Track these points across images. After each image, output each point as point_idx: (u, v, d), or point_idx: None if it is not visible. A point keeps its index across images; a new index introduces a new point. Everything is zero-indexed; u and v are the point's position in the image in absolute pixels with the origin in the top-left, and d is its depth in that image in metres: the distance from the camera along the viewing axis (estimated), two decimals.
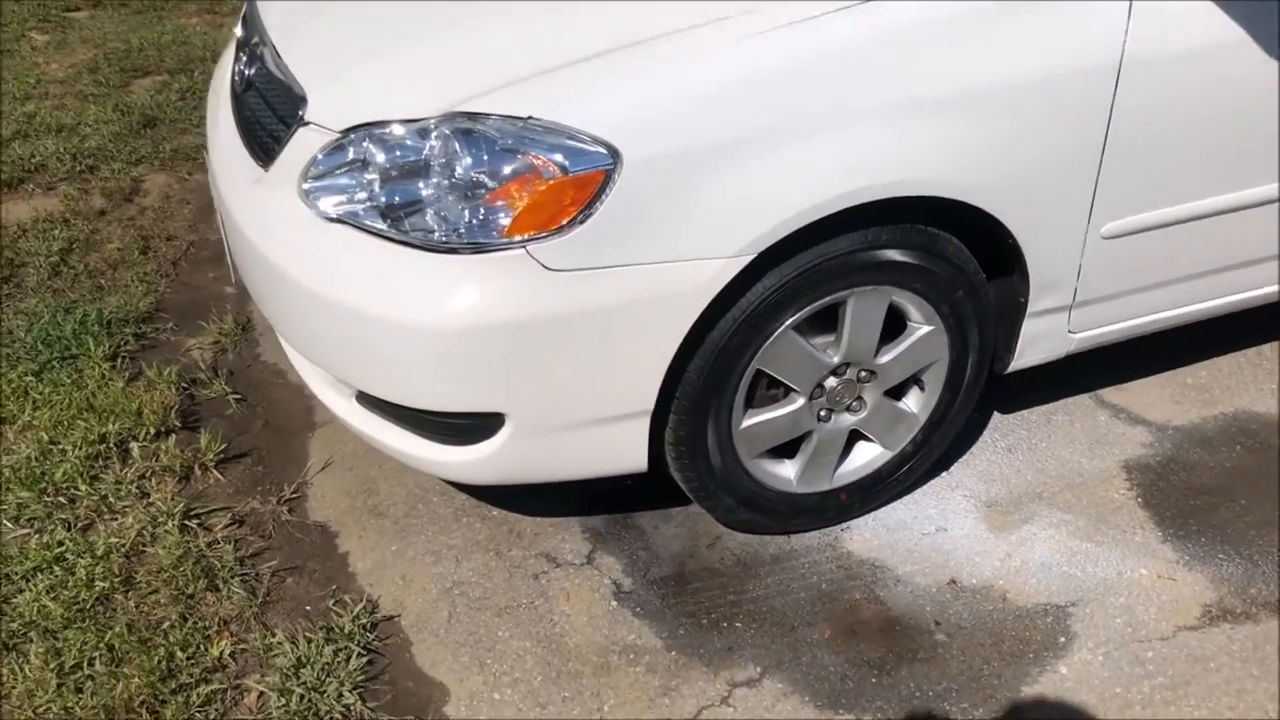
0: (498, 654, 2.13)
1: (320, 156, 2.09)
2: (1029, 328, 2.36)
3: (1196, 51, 2.14)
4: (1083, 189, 2.19)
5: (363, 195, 2.05)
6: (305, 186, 2.11)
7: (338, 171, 2.09)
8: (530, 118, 1.91)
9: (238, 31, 2.73)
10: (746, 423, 2.20)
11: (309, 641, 2.11)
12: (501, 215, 1.92)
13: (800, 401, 2.23)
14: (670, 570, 2.32)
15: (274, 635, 2.13)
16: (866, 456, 2.39)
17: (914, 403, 2.37)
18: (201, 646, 2.10)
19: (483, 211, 1.93)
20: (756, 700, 2.06)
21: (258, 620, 2.18)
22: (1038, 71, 2.05)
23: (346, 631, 2.14)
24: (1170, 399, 2.80)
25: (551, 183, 1.89)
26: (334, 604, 2.22)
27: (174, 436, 2.56)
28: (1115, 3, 2.07)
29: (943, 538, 2.41)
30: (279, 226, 2.15)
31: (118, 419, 2.58)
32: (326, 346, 2.13)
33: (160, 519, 2.35)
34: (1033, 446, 2.65)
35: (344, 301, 2.03)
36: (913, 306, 2.21)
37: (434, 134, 1.97)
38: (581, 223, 1.89)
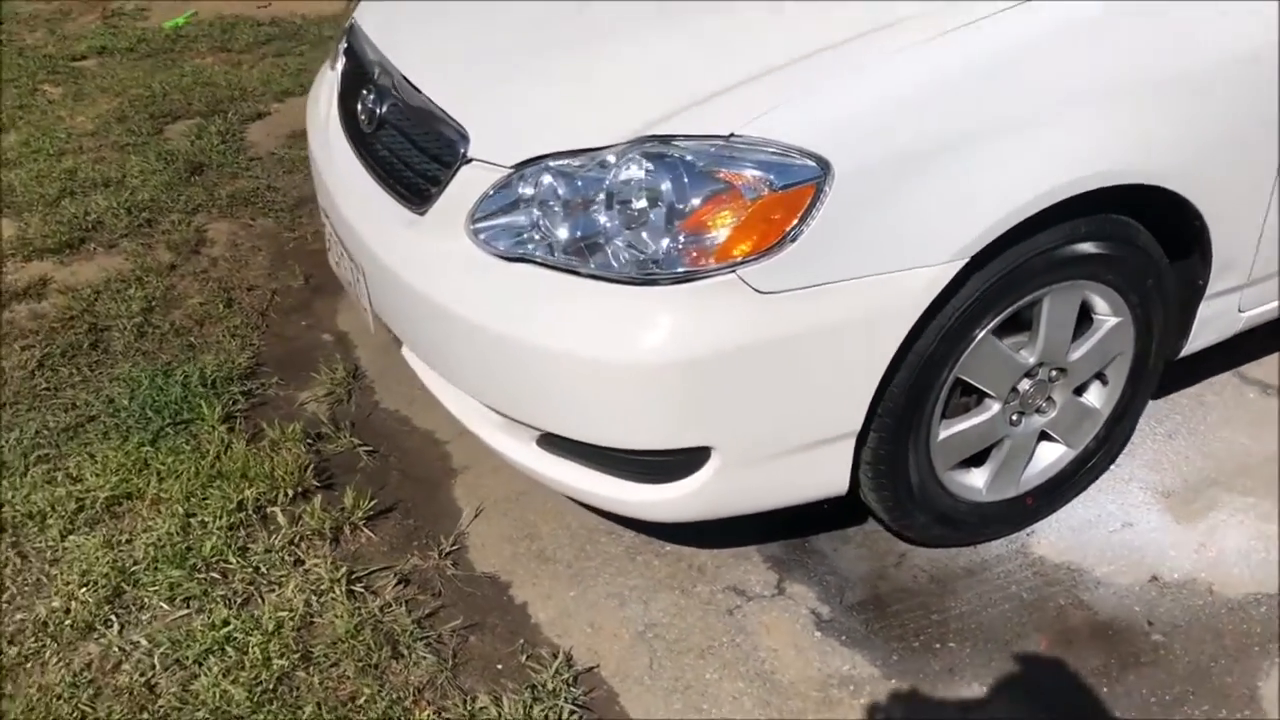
0: (712, 698, 2.04)
1: (491, 194, 1.99)
2: (1204, 310, 2.30)
3: None
4: (1265, 166, 2.13)
5: (543, 231, 1.94)
6: (475, 226, 2.01)
7: (511, 208, 1.98)
8: (732, 135, 1.81)
9: (336, 65, 2.62)
10: (943, 434, 2.12)
11: (515, 702, 2.00)
12: (707, 240, 1.82)
13: (996, 407, 2.15)
14: (865, 594, 2.24)
15: (475, 699, 2.02)
16: (1051, 457, 2.32)
17: (1096, 398, 2.30)
18: None
19: (683, 238, 1.83)
20: None
21: (453, 684, 2.06)
22: (1223, 53, 2.00)
23: (550, 689, 2.04)
24: None
25: (759, 201, 1.80)
26: (527, 659, 2.11)
27: (315, 497, 2.43)
28: None
29: (1131, 533, 2.34)
30: (448, 270, 2.04)
31: (252, 484, 2.45)
32: (510, 389, 2.02)
33: (323, 586, 2.23)
34: (1193, 430, 2.59)
35: (533, 341, 1.92)
36: (1102, 299, 2.14)
37: (623, 162, 1.87)
38: (793, 240, 1.80)
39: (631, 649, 2.13)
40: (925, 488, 2.15)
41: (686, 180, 1.83)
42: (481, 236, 2.01)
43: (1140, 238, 2.09)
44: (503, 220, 1.99)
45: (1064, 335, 2.13)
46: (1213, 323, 2.35)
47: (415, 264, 2.11)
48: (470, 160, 2.04)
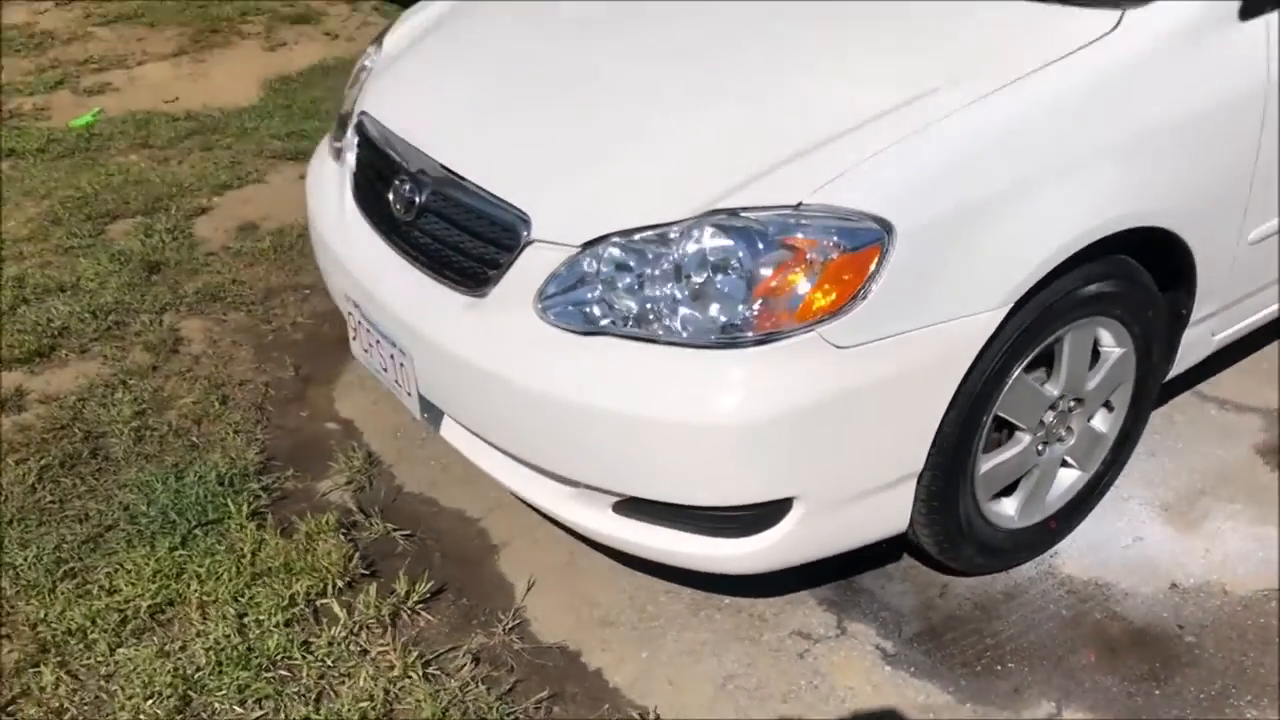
0: None
1: (560, 272, 2.07)
2: (1187, 336, 2.53)
3: None
4: (1239, 202, 2.38)
5: (617, 304, 2.03)
6: (544, 304, 2.08)
7: (580, 284, 2.06)
8: (800, 204, 1.95)
9: (346, 158, 2.65)
10: (984, 468, 2.28)
11: None
12: (786, 302, 1.94)
13: (1027, 439, 2.32)
14: (920, 626, 2.36)
15: None
16: (1069, 482, 2.49)
17: (1104, 424, 2.49)
18: None
19: (760, 302, 1.95)
20: None
21: None
22: (1210, 101, 2.23)
23: None
24: (1259, 385, 3.02)
25: (831, 264, 1.93)
26: None
27: (366, 585, 2.44)
28: (1260, 32, 2.27)
29: (1143, 546, 2.54)
30: (520, 347, 2.11)
31: (298, 578, 2.44)
32: (591, 458, 2.09)
33: (396, 673, 2.23)
34: (1171, 448, 2.82)
35: (618, 409, 2.00)
36: (1109, 332, 2.34)
37: (695, 234, 1.98)
38: (864, 298, 1.94)
39: (715, 701, 2.21)
40: (971, 520, 2.30)
41: (761, 248, 1.96)
42: (552, 313, 2.08)
43: (1140, 275, 2.30)
44: (572, 296, 2.07)
45: (1082, 368, 2.32)
46: (1194, 347, 2.58)
47: (479, 344, 2.16)
48: (533, 242, 2.11)
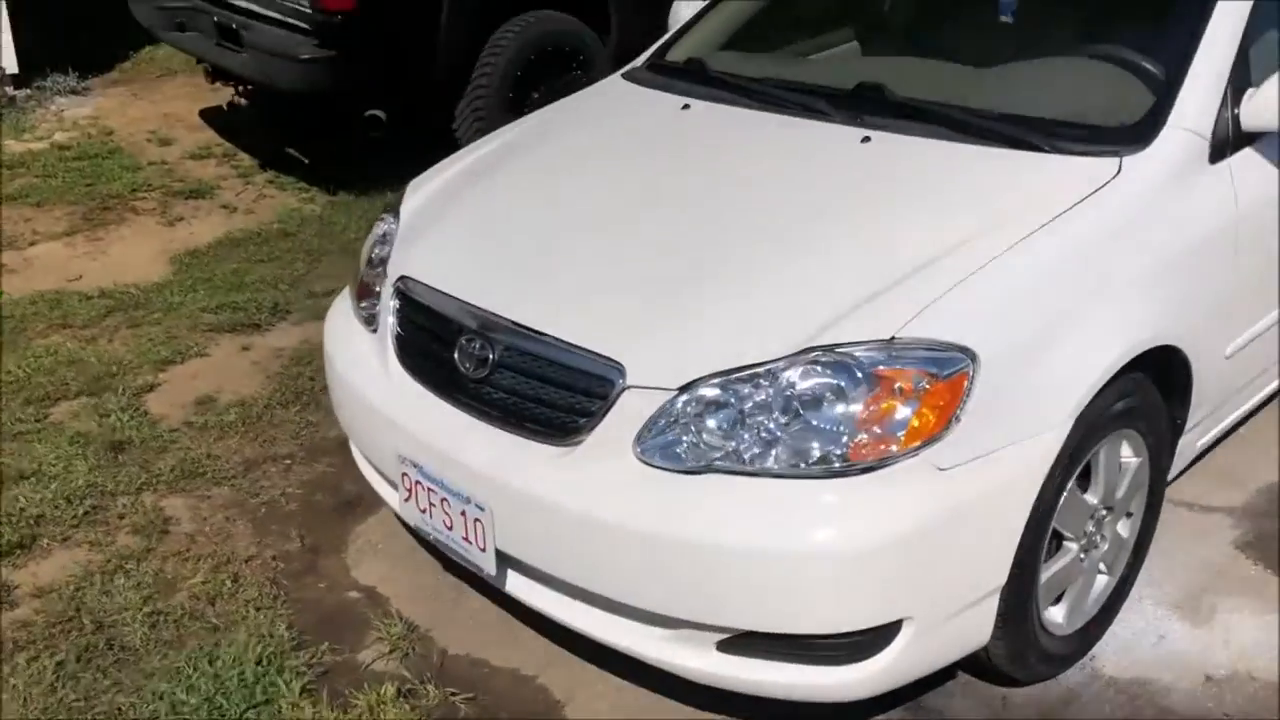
0: None
1: (662, 415, 2.14)
2: (1182, 443, 2.77)
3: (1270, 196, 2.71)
4: (1223, 319, 2.66)
5: (718, 442, 2.12)
6: (643, 447, 2.15)
7: (680, 426, 2.15)
8: (894, 338, 2.10)
9: (385, 323, 2.67)
10: (1044, 578, 2.42)
11: None
12: (889, 430, 2.07)
13: (1074, 548, 2.49)
14: None
15: None
16: (1099, 586, 2.67)
17: (1125, 529, 2.69)
18: None
19: (865, 432, 2.07)
20: None
21: None
22: (1198, 231, 2.53)
23: None
24: (1215, 486, 3.30)
25: (927, 392, 2.08)
26: None
27: None
28: (1225, 173, 2.60)
29: (1168, 643, 2.72)
30: (621, 492, 2.16)
31: None
32: (701, 595, 2.13)
33: None
34: (1164, 550, 3.03)
35: (731, 544, 2.08)
36: (1129, 444, 2.56)
37: (794, 371, 2.10)
38: (959, 420, 2.09)
39: None
40: (1034, 628, 2.43)
41: (861, 379, 2.09)
42: (653, 455, 2.15)
43: (1152, 391, 2.54)
44: (672, 437, 2.15)
45: (1115, 478, 2.52)
46: (1183, 453, 2.83)
47: (578, 491, 2.20)
48: (629, 388, 2.19)
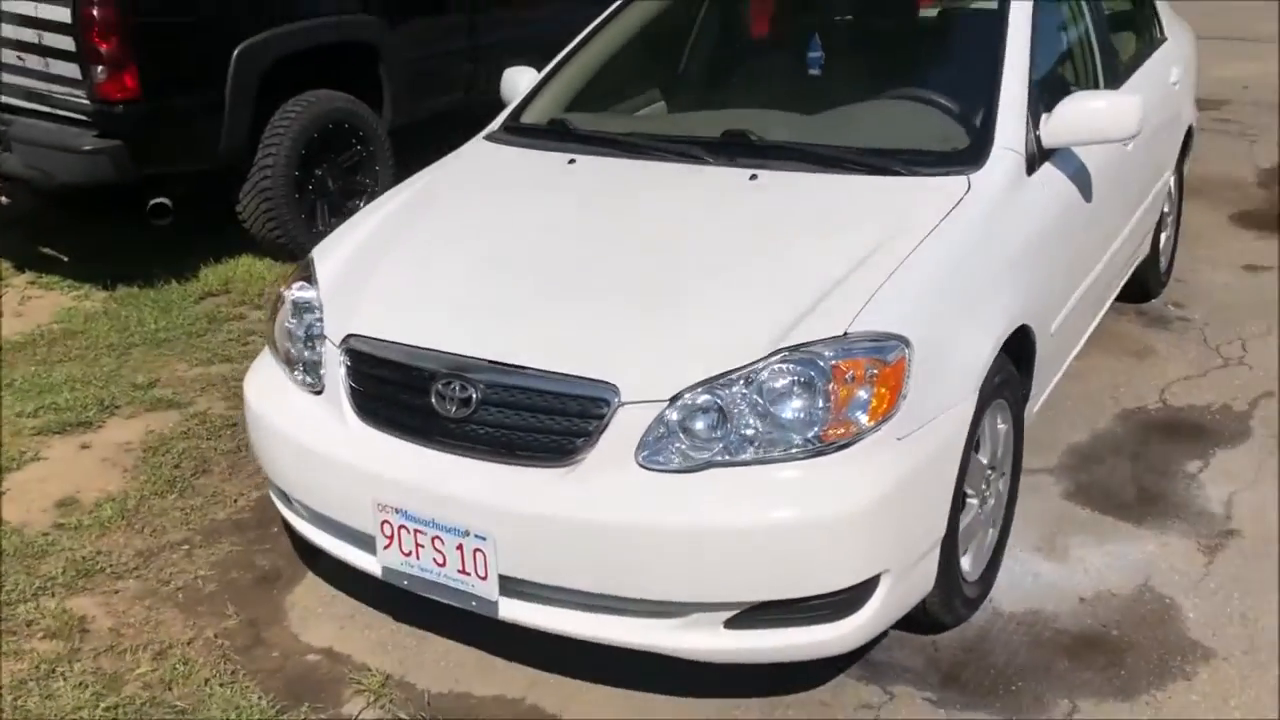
0: None
1: (658, 424, 2.40)
2: (1026, 411, 3.31)
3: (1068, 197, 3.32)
4: (1050, 303, 3.23)
5: (713, 440, 2.41)
6: (644, 455, 2.40)
7: (675, 432, 2.42)
8: (846, 333, 2.47)
9: (340, 381, 2.77)
10: (961, 531, 2.85)
11: None
12: (856, 412, 2.43)
13: (975, 504, 2.93)
14: (940, 674, 2.85)
15: None
16: (989, 538, 3.13)
17: (1002, 487, 3.17)
18: None
19: (834, 416, 2.42)
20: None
21: None
22: (1029, 229, 3.08)
23: None
24: (1030, 453, 3.88)
25: (879, 374, 2.46)
26: None
27: None
28: (1039, 181, 3.17)
29: (1043, 578, 3.22)
30: (631, 498, 2.40)
31: None
32: (720, 578, 2.39)
33: None
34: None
35: (744, 526, 2.37)
36: (1000, 413, 3.04)
37: (770, 370, 2.43)
38: (904, 398, 2.49)
39: None
40: (958, 576, 2.84)
41: (825, 370, 2.44)
42: (655, 461, 2.41)
43: (1009, 364, 3.04)
44: (670, 442, 2.42)
45: (996, 442, 2.99)
46: (1027, 420, 3.36)
47: (588, 505, 2.41)
48: (624, 404, 2.43)
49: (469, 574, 2.56)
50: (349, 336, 2.80)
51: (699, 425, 2.43)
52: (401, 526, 2.62)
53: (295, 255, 5.78)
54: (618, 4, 4.13)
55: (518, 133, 3.70)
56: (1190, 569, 3.24)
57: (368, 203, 6.12)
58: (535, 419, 2.52)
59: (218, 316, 5.31)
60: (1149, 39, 4.75)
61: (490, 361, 2.58)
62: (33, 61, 5.25)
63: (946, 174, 3.01)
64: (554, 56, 3.97)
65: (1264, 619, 3.00)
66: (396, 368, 2.70)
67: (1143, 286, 4.88)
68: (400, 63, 6.25)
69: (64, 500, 3.74)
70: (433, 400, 2.60)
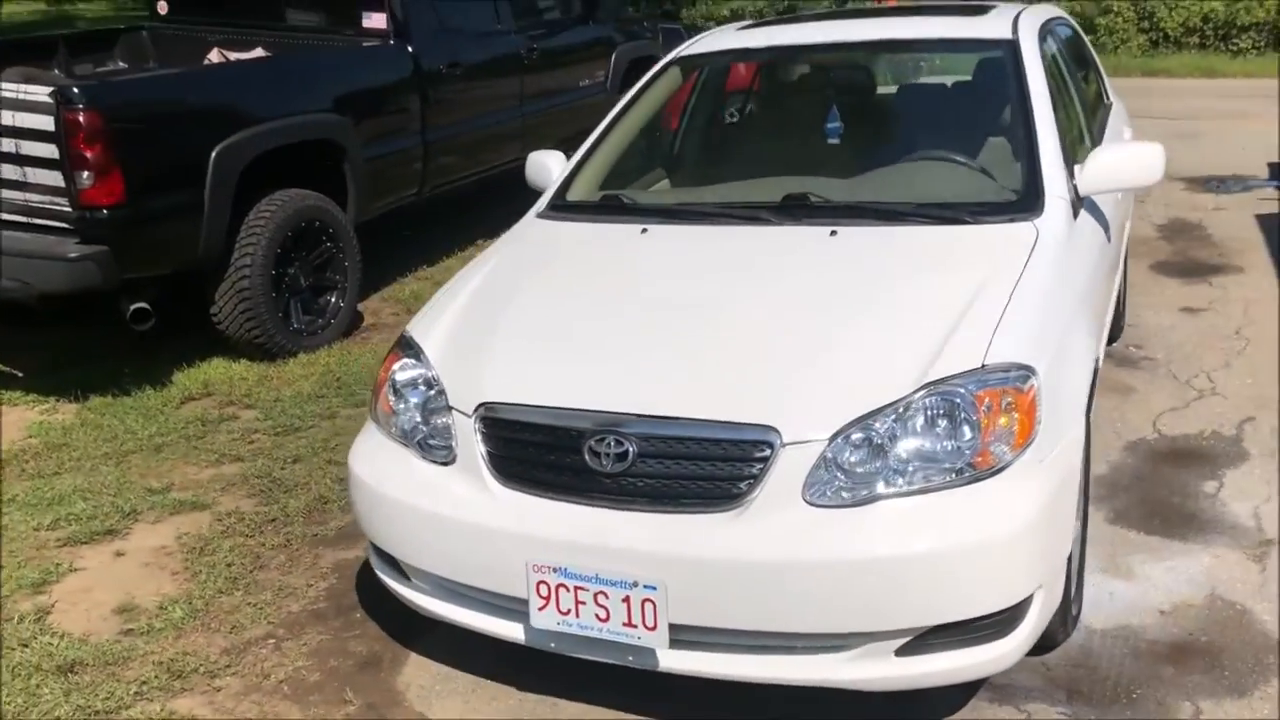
0: None
1: (820, 462, 2.52)
2: None
3: (1099, 237, 3.59)
4: (1100, 330, 3.47)
5: (875, 474, 2.53)
6: (810, 493, 2.51)
7: (836, 468, 2.54)
8: (984, 365, 2.64)
9: (477, 450, 2.80)
10: None
11: None
12: (1002, 440, 2.59)
13: (1077, 524, 3.10)
14: (1064, 692, 2.99)
15: None
16: (1076, 559, 3.30)
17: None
18: None
19: (984, 444, 2.58)
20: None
21: None
22: (1085, 266, 3.32)
23: None
24: None
25: (1015, 402, 2.63)
26: None
27: None
28: (1085, 219, 3.44)
29: (1119, 596, 3.42)
30: (802, 536, 2.51)
31: None
32: (896, 606, 2.49)
33: None
34: None
35: (913, 554, 2.49)
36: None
37: (920, 405, 2.58)
38: (1040, 422, 2.66)
39: None
40: (1072, 593, 3.00)
41: (973, 403, 2.59)
42: (821, 498, 2.52)
43: None
44: (833, 478, 2.53)
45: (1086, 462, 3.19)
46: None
47: (760, 545, 2.50)
48: (786, 445, 2.54)
49: (635, 626, 2.60)
50: (482, 405, 2.83)
51: (856, 461, 2.55)
52: (560, 585, 2.64)
53: (273, 355, 5.75)
54: (641, 85, 4.31)
55: (569, 209, 3.81)
56: (1248, 576, 3.48)
57: (340, 299, 6.20)
58: (696, 466, 2.60)
59: (209, 419, 5.19)
60: (1102, 101, 5.17)
61: (642, 415, 2.65)
62: (9, 171, 5.14)
63: (1012, 221, 3.25)
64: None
65: None
66: (541, 430, 2.75)
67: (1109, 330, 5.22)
68: (362, 161, 6.34)
69: (122, 607, 3.62)
70: (585, 457, 2.65)
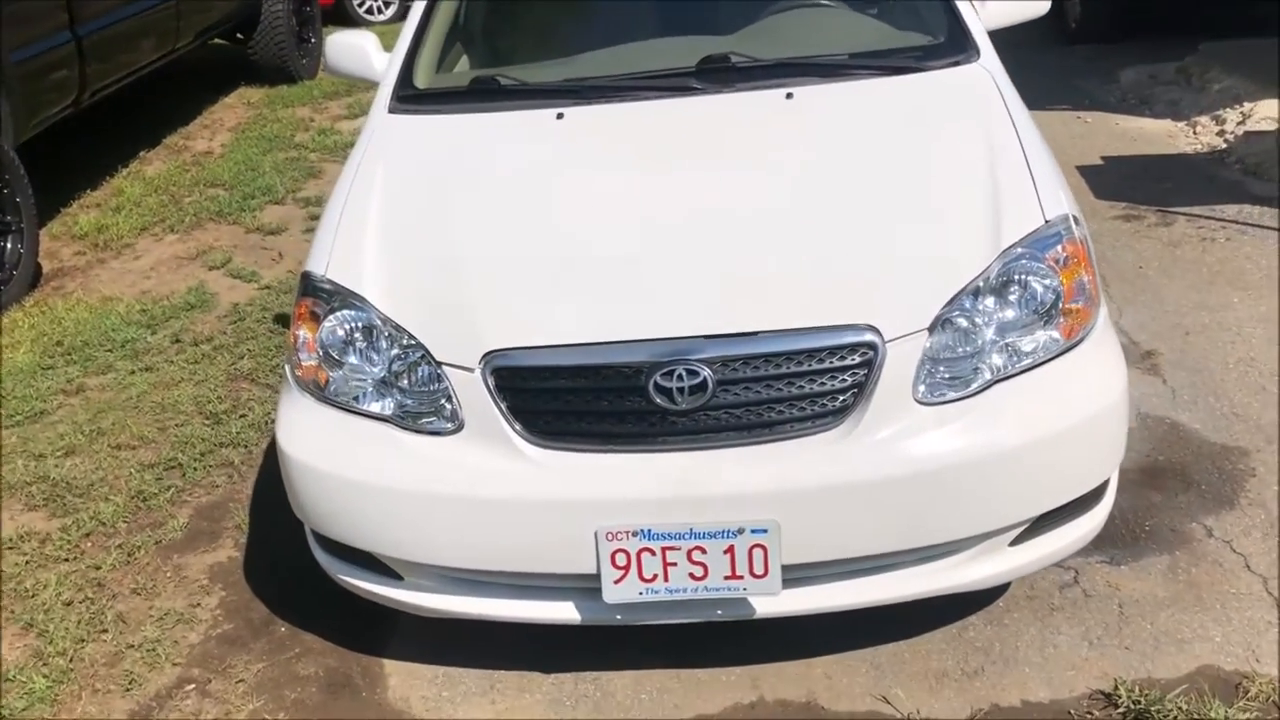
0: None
1: (924, 356, 2.24)
2: None
3: None
4: None
5: (979, 358, 2.29)
6: (921, 391, 2.24)
7: (940, 359, 2.27)
8: (1047, 220, 2.44)
9: (490, 411, 2.27)
10: None
11: None
12: (1085, 293, 2.41)
13: None
14: (1089, 545, 2.93)
15: None
16: None
17: None
18: None
19: (1069, 304, 2.38)
20: None
21: None
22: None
23: None
24: None
25: (1075, 254, 2.44)
26: None
27: None
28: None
29: None
30: (929, 439, 2.23)
31: None
32: (1025, 494, 2.29)
33: None
34: None
35: (1039, 437, 2.27)
36: None
37: (1005, 273, 2.34)
38: (1096, 274, 2.50)
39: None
40: None
41: (1048, 260, 2.38)
42: (938, 393, 2.25)
43: None
44: (938, 371, 2.26)
45: None
46: None
47: (881, 459, 2.20)
48: (890, 342, 2.22)
49: (740, 577, 2.23)
50: (490, 355, 2.28)
51: (956, 346, 2.28)
52: (644, 550, 2.21)
53: None
54: None
55: (432, 100, 3.18)
56: (1155, 389, 3.59)
57: (18, 243, 5.02)
58: (791, 386, 2.22)
59: None
60: None
61: (714, 336, 2.22)
62: None
63: (957, 65, 3.02)
64: None
65: None
66: (585, 373, 2.24)
67: None
68: (12, 66, 5.16)
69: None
70: (652, 396, 2.20)
